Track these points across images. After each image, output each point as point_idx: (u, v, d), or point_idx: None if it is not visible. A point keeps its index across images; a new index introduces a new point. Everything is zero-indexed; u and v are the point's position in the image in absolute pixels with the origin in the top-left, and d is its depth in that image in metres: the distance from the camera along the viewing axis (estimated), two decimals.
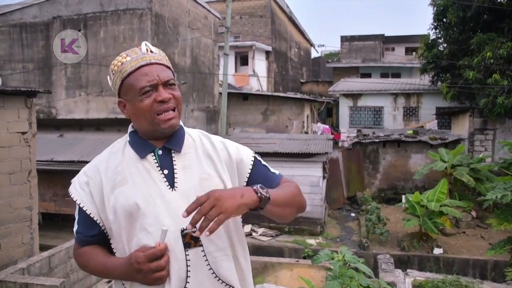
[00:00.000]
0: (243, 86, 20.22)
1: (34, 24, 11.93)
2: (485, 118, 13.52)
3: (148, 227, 1.36)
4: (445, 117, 17.96)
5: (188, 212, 1.24)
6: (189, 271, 1.36)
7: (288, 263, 6.96)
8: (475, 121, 13.88)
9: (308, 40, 32.33)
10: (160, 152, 1.46)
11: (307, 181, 11.17)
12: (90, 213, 1.44)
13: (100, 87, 11.56)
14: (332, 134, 16.70)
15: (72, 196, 1.48)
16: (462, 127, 14.82)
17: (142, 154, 1.45)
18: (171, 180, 1.42)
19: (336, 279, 3.46)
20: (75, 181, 1.51)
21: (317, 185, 11.28)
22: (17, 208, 6.68)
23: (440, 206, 9.65)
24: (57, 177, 10.56)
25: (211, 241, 1.38)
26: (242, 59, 21.80)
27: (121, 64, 1.45)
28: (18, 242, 6.70)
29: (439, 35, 16.00)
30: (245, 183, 1.52)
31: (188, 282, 1.36)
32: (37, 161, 7.50)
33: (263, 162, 1.60)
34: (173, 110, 1.44)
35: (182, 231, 1.36)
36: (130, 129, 1.55)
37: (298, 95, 19.00)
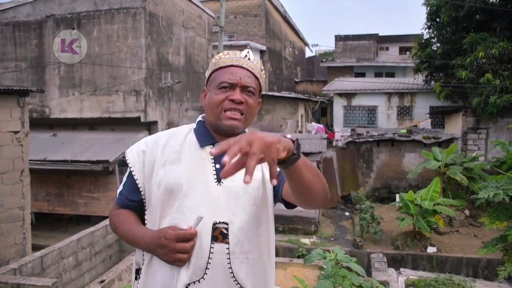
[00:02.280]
0: None
1: (27, 23, 11.86)
2: (478, 117, 13.59)
3: (185, 210, 1.41)
4: (438, 116, 18.04)
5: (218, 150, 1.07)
6: (209, 263, 1.39)
7: (282, 263, 6.95)
8: (468, 120, 13.95)
9: (302, 40, 32.36)
10: None
11: None
12: (137, 179, 1.50)
13: (93, 86, 11.52)
14: (326, 133, 16.72)
15: (126, 159, 1.54)
16: (455, 126, 14.90)
17: (202, 144, 1.51)
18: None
19: (328, 279, 3.47)
20: (134, 146, 1.57)
21: None
22: (9, 208, 6.65)
23: (434, 205, 9.69)
24: (50, 176, 10.52)
25: (239, 241, 1.42)
26: None
27: (219, 58, 1.54)
28: (10, 242, 6.66)
29: (433, 35, 16.08)
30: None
31: (206, 274, 1.38)
32: (30, 160, 7.47)
33: None
34: (241, 114, 1.48)
35: (214, 224, 1.40)
36: (199, 118, 1.62)
37: (293, 95, 19.01)
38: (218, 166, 1.47)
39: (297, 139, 1.19)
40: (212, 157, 1.48)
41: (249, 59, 1.54)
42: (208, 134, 1.53)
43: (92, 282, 6.46)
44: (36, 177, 9.04)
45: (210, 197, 1.42)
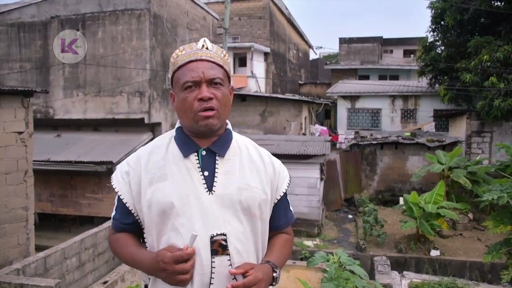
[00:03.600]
0: (241, 87, 20.22)
1: (32, 24, 11.91)
2: (482, 120, 13.55)
3: (179, 228, 1.36)
4: (442, 119, 17.99)
5: (232, 273, 1.33)
6: (213, 278, 1.35)
7: (285, 265, 6.94)
8: (472, 124, 13.90)
9: (306, 42, 32.36)
10: (204, 152, 1.45)
11: (304, 183, 11.17)
12: (126, 203, 1.46)
13: (98, 87, 11.55)
14: (330, 135, 16.70)
15: (112, 184, 1.50)
16: (459, 130, 14.85)
17: (185, 153, 1.44)
18: (210, 183, 1.41)
19: (332, 281, 3.46)
20: (117, 169, 1.52)
21: (315, 186, 11.28)
22: (13, 208, 6.66)
23: (437, 208, 9.66)
24: (54, 177, 10.55)
25: (238, 252, 1.39)
26: (241, 60, 21.80)
27: (177, 56, 1.46)
28: (14, 242, 6.68)
29: (437, 38, 16.03)
30: (274, 203, 1.55)
31: None
32: (34, 161, 7.49)
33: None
34: (213, 110, 1.41)
35: (211, 237, 1.36)
36: (177, 124, 1.54)
37: (296, 97, 18.97)
38: (206, 173, 1.42)
39: (276, 278, 1.44)
40: (199, 166, 1.43)
41: (207, 48, 1.46)
42: (189, 142, 1.46)
43: (95, 283, 6.47)
44: (40, 177, 9.07)
45: (203, 209, 1.38)
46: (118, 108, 11.44)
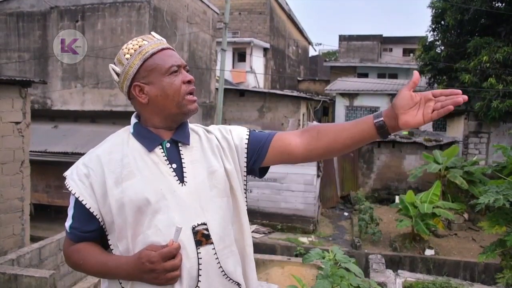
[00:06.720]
0: (240, 83, 20.18)
1: (31, 14, 11.83)
2: (480, 121, 13.58)
3: (158, 224, 1.31)
4: (440, 119, 18.02)
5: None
6: (201, 269, 1.33)
7: (280, 261, 6.96)
8: (470, 124, 13.93)
9: (306, 39, 32.30)
10: (168, 145, 1.41)
11: (301, 179, 11.18)
12: (90, 208, 1.34)
13: (96, 79, 11.50)
14: None
15: (70, 189, 1.37)
16: (457, 130, 14.88)
17: (150, 147, 1.38)
18: (180, 174, 1.37)
19: (327, 279, 3.46)
20: (72, 173, 1.39)
21: (311, 183, 11.29)
22: (9, 198, 6.64)
23: (433, 207, 9.69)
24: (50, 168, 10.51)
25: (221, 238, 1.37)
26: (240, 56, 21.75)
27: (139, 46, 1.39)
28: (9, 232, 6.66)
29: (437, 38, 16.03)
30: (245, 159, 1.49)
31: (200, 281, 1.33)
32: (31, 151, 7.46)
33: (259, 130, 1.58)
34: (194, 93, 1.45)
35: (193, 228, 1.33)
36: (133, 120, 1.47)
37: (295, 93, 18.96)
38: (174, 165, 1.38)
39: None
40: (166, 158, 1.38)
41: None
42: (150, 135, 1.40)
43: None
44: (36, 168, 9.04)
45: (180, 202, 1.34)
46: (116, 100, 11.40)
